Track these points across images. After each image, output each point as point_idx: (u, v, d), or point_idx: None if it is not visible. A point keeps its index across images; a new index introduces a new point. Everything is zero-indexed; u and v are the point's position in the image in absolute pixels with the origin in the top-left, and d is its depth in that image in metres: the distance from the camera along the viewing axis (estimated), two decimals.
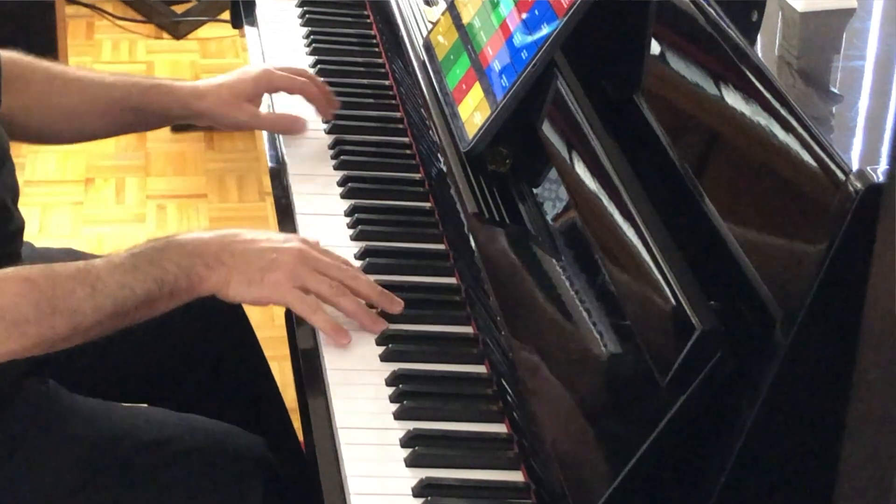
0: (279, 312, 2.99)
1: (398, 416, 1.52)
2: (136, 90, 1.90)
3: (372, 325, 1.61)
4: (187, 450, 1.69)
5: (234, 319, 1.98)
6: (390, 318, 1.64)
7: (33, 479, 1.64)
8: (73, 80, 1.88)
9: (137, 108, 1.90)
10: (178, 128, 3.64)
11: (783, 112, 1.24)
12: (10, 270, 1.54)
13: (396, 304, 1.63)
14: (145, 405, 1.86)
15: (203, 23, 4.07)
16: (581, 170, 1.52)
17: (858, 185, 1.12)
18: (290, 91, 1.97)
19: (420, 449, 1.47)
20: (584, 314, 1.41)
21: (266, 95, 2.00)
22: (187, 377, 1.92)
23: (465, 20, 1.81)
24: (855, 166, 1.14)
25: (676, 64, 1.47)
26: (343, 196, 1.86)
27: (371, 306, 1.64)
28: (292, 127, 1.94)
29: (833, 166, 1.16)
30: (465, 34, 1.80)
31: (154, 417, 1.73)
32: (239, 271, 1.60)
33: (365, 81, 2.12)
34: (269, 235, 1.65)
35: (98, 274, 1.56)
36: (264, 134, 2.03)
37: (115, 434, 1.68)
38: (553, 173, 1.58)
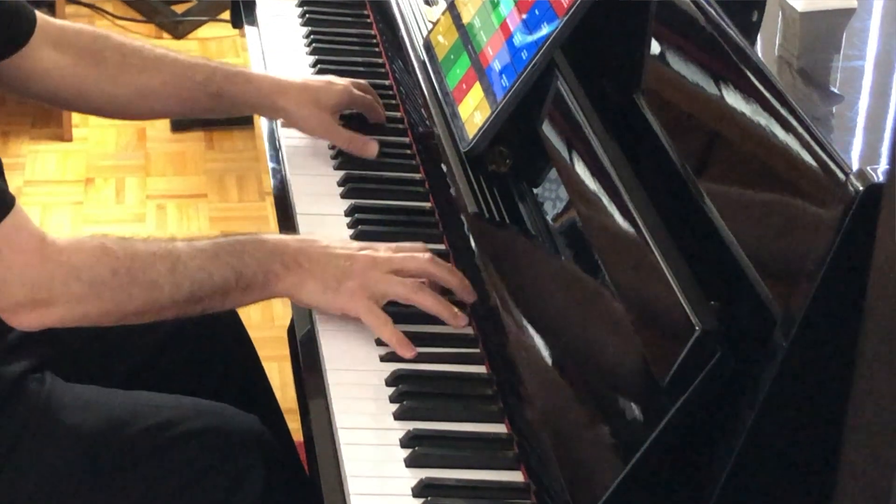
0: (279, 313, 3.00)
1: (398, 416, 1.52)
2: (218, 75, 1.90)
3: (453, 320, 1.62)
4: (187, 431, 1.69)
5: (225, 314, 1.98)
6: (390, 318, 1.64)
7: (36, 470, 1.64)
8: (151, 59, 1.87)
9: (218, 94, 1.90)
10: (178, 127, 3.64)
11: (783, 112, 1.24)
12: (86, 236, 1.58)
13: (471, 295, 1.63)
14: (140, 391, 1.86)
15: (203, 23, 4.07)
16: (581, 170, 1.52)
17: (858, 185, 1.12)
18: (363, 110, 1.96)
19: (420, 449, 1.47)
20: (584, 314, 1.41)
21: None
22: (178, 365, 1.92)
23: (466, 20, 1.81)
24: (855, 166, 1.14)
25: (676, 64, 1.47)
26: (343, 196, 1.86)
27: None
28: (364, 148, 1.92)
29: (833, 166, 1.16)
30: (465, 34, 1.80)
31: (152, 401, 1.73)
32: (314, 277, 1.61)
33: (365, 81, 2.12)
34: (346, 242, 1.67)
35: (179, 254, 1.59)
36: (264, 134, 2.03)
37: (114, 420, 1.69)
38: (553, 173, 1.58)
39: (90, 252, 1.56)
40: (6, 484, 1.64)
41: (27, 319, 1.56)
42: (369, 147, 1.92)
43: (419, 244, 1.68)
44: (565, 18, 1.61)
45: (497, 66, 1.70)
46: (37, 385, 1.69)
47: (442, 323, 1.65)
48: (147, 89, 1.87)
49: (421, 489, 1.42)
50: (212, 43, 4.03)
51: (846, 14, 1.45)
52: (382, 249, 1.65)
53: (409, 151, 1.97)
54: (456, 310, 1.62)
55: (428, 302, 1.61)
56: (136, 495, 1.66)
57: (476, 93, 1.71)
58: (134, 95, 1.88)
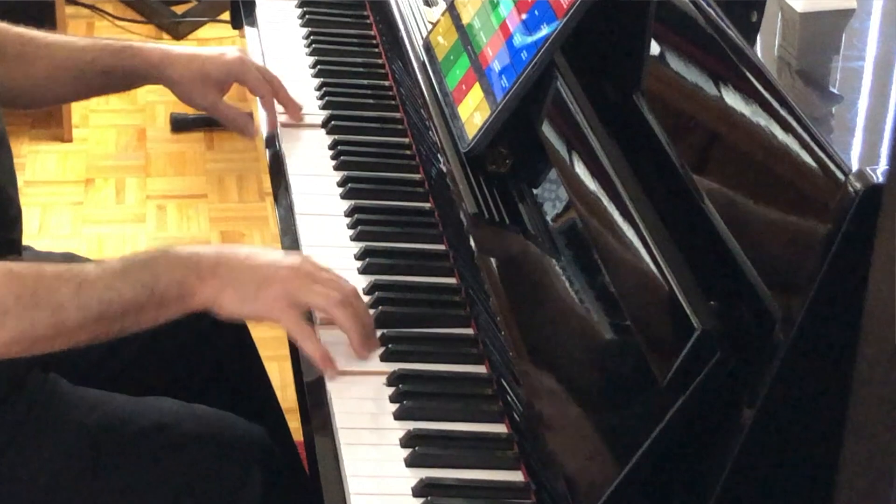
0: None
1: (398, 416, 1.52)
2: (106, 52, 1.90)
3: (360, 348, 1.57)
4: (188, 435, 1.69)
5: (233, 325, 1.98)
6: (390, 318, 1.64)
7: (36, 467, 1.65)
8: (44, 46, 1.88)
9: (108, 71, 1.91)
10: (178, 128, 3.64)
11: (783, 112, 1.24)
12: None
13: (371, 348, 1.58)
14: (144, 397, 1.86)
15: (203, 23, 4.07)
16: (581, 170, 1.52)
17: (858, 185, 1.12)
18: (253, 92, 1.97)
19: (420, 449, 1.47)
20: (584, 314, 1.41)
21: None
22: (182, 373, 1.92)
23: (465, 21, 1.81)
24: (855, 166, 1.14)
25: (676, 64, 1.47)
26: (343, 196, 1.86)
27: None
28: (244, 127, 1.94)
29: (833, 166, 1.16)
30: (464, 35, 1.80)
31: (154, 405, 1.73)
32: (233, 286, 1.56)
33: (365, 81, 2.12)
34: (270, 252, 1.62)
35: (85, 274, 1.54)
36: (263, 134, 2.03)
37: (116, 421, 1.69)
38: (553, 173, 1.58)
39: None
40: (6, 478, 1.64)
41: None
42: (248, 127, 1.93)
43: (344, 279, 1.62)
44: (565, 19, 1.62)
45: (497, 66, 1.70)
46: (40, 382, 1.69)
47: (442, 323, 1.65)
48: (44, 77, 1.88)
49: (421, 489, 1.42)
50: (211, 43, 4.03)
51: (846, 14, 1.45)
52: (309, 262, 1.61)
53: (409, 151, 1.97)
54: (370, 336, 1.57)
55: (346, 319, 1.56)
56: (134, 495, 1.67)
57: (476, 93, 1.71)
58: (34, 85, 1.88)
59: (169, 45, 1.97)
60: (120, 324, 1.55)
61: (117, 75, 1.92)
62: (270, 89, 1.97)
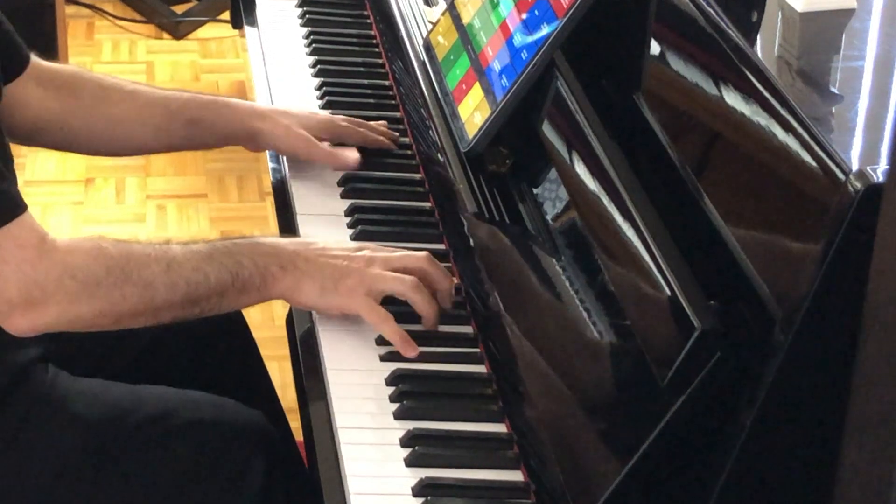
0: (279, 313, 2.99)
1: (398, 416, 1.52)
2: (193, 103, 1.89)
3: (432, 324, 1.62)
4: (189, 423, 1.70)
5: (234, 324, 1.98)
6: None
7: (39, 459, 1.65)
8: (127, 91, 1.87)
9: (194, 122, 1.89)
10: None
11: (783, 112, 1.24)
12: (85, 237, 1.59)
13: (448, 302, 1.65)
14: (144, 385, 1.87)
15: (203, 23, 4.07)
16: (581, 170, 1.52)
17: (858, 185, 1.12)
18: (350, 142, 1.93)
19: (420, 449, 1.47)
20: (584, 314, 1.41)
21: None
22: (180, 363, 1.92)
23: (465, 20, 1.81)
24: (855, 166, 1.14)
25: (676, 64, 1.47)
26: (343, 196, 1.86)
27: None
28: (346, 162, 1.90)
29: (833, 166, 1.16)
30: (465, 34, 1.80)
31: (154, 393, 1.74)
32: (311, 278, 1.61)
33: (365, 81, 2.12)
34: (342, 243, 1.67)
35: (174, 255, 1.59)
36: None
37: (116, 411, 1.70)
38: (553, 173, 1.58)
39: (86, 252, 1.56)
40: (10, 470, 1.65)
41: (20, 321, 1.56)
42: (350, 159, 1.90)
43: (418, 254, 1.67)
44: (565, 18, 1.62)
45: (497, 66, 1.70)
46: (41, 374, 1.70)
47: (442, 323, 1.65)
48: (123, 119, 1.87)
49: (421, 489, 1.42)
50: (212, 43, 4.03)
51: (846, 14, 1.45)
52: (380, 248, 1.66)
53: (409, 151, 1.97)
54: (436, 320, 1.62)
55: (421, 300, 1.62)
56: (137, 484, 1.67)
57: (476, 93, 1.71)
58: (111, 127, 1.87)
59: (256, 103, 1.94)
60: (202, 306, 1.60)
61: (203, 127, 1.90)
62: (363, 131, 1.94)
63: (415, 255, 1.65)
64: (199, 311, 1.61)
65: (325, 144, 1.91)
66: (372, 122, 1.97)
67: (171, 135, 1.90)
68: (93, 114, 1.86)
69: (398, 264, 1.63)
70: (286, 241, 1.66)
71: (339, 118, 1.95)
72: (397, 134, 1.97)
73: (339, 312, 1.63)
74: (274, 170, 1.97)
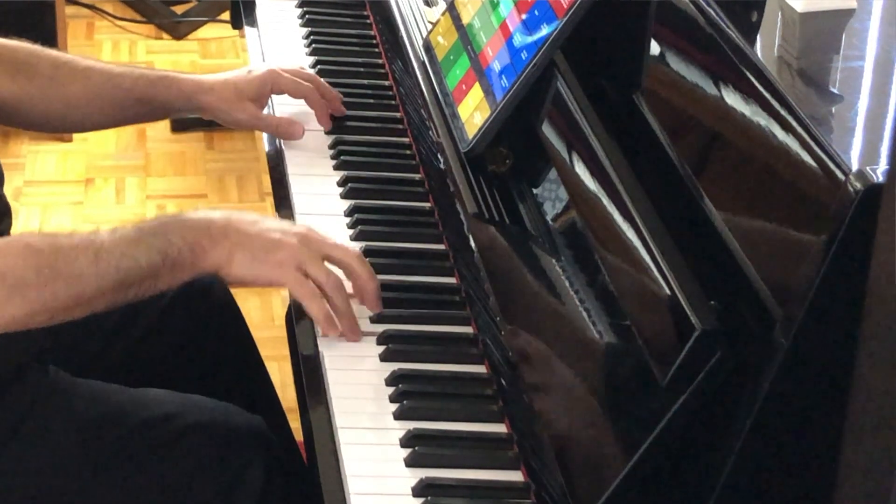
0: (279, 313, 3.00)
1: (398, 416, 1.52)
2: (142, 81, 1.91)
3: (350, 333, 1.61)
4: (188, 426, 1.70)
5: (227, 311, 1.99)
6: (390, 318, 1.64)
7: (36, 459, 1.65)
8: (80, 70, 1.89)
9: (143, 99, 1.92)
10: (178, 128, 3.64)
11: (783, 112, 1.24)
12: (12, 237, 1.57)
13: (376, 306, 1.64)
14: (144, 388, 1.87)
15: (203, 23, 4.07)
16: (581, 170, 1.52)
17: (858, 185, 1.12)
18: (294, 95, 1.98)
19: (420, 449, 1.47)
20: (584, 314, 1.41)
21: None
22: (181, 365, 1.93)
23: (465, 20, 1.81)
24: (855, 166, 1.14)
25: (676, 64, 1.47)
26: (343, 196, 1.86)
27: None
28: (290, 131, 1.94)
29: (833, 166, 1.16)
30: (464, 34, 1.80)
31: (154, 397, 1.74)
32: (243, 249, 1.60)
33: (365, 82, 2.12)
34: (277, 219, 1.68)
35: (102, 243, 1.57)
36: (264, 134, 2.03)
37: (115, 412, 1.70)
38: (553, 173, 1.58)
39: (15, 254, 1.54)
40: (7, 470, 1.65)
41: None
42: (295, 129, 1.93)
43: (352, 249, 1.67)
44: (565, 18, 1.62)
45: (497, 66, 1.70)
46: (40, 375, 1.70)
47: (442, 323, 1.65)
48: (77, 99, 1.88)
49: (421, 489, 1.42)
50: (212, 43, 4.03)
51: (846, 14, 1.45)
52: (314, 232, 1.65)
53: (409, 151, 1.97)
54: (357, 326, 1.61)
55: (341, 305, 1.60)
56: (135, 487, 1.67)
57: (476, 93, 1.71)
58: (66, 107, 1.89)
59: (201, 75, 1.97)
60: (136, 289, 1.59)
61: (154, 105, 1.93)
62: (311, 87, 1.98)
63: (347, 250, 1.65)
64: (134, 295, 1.60)
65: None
66: (323, 83, 2.00)
67: (123, 112, 1.93)
68: (47, 94, 1.87)
69: (330, 252, 1.63)
70: (217, 213, 1.65)
71: (282, 71, 1.97)
72: (345, 110, 1.99)
73: (269, 285, 1.64)
74: (274, 170, 1.97)
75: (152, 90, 1.91)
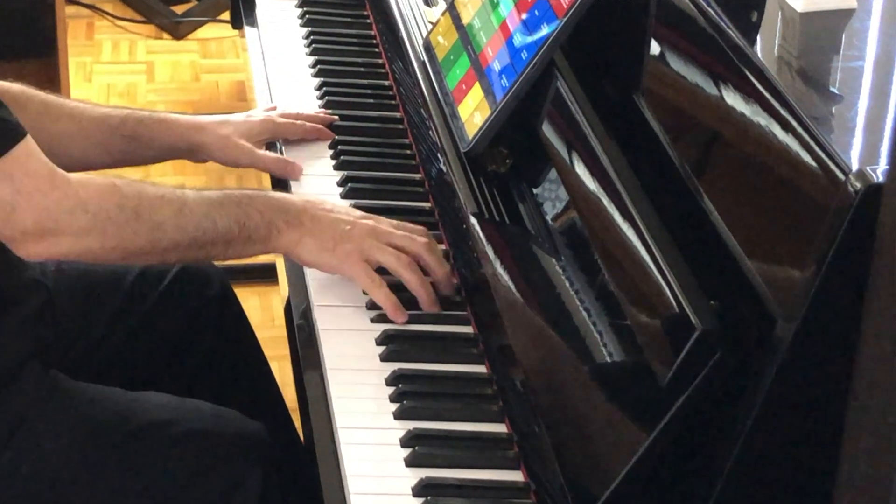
0: (279, 312, 3.00)
1: (398, 416, 1.52)
2: (131, 119, 1.89)
3: (429, 305, 1.66)
4: (187, 431, 1.71)
5: (227, 303, 1.99)
6: (390, 319, 1.64)
7: (34, 460, 1.66)
8: (68, 108, 1.88)
9: (133, 137, 1.89)
10: None
11: (783, 112, 1.24)
12: (97, 176, 1.63)
13: (450, 289, 1.68)
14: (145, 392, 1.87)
15: (203, 23, 4.07)
16: (581, 170, 1.52)
17: (858, 185, 1.12)
18: (291, 137, 1.96)
19: (420, 449, 1.47)
20: (584, 314, 1.41)
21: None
22: (185, 367, 1.93)
23: (465, 20, 1.81)
24: (855, 166, 1.14)
25: (676, 64, 1.47)
26: (343, 196, 1.86)
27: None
28: (287, 171, 1.91)
29: (833, 166, 1.16)
30: (465, 34, 1.80)
31: (154, 401, 1.75)
32: (313, 236, 1.66)
33: (365, 81, 2.12)
34: (350, 210, 1.72)
35: (186, 199, 1.63)
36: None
37: (115, 416, 1.71)
38: (553, 173, 1.59)
39: (98, 187, 1.60)
40: (5, 468, 1.65)
41: (33, 248, 1.59)
42: (294, 169, 1.91)
43: (420, 227, 1.72)
44: (565, 19, 1.62)
45: (497, 66, 1.70)
46: (39, 377, 1.70)
47: (442, 323, 1.65)
48: (64, 137, 1.87)
49: (421, 489, 1.42)
50: (212, 43, 4.03)
51: (846, 14, 1.45)
52: (384, 223, 1.69)
53: (409, 151, 1.97)
54: (434, 298, 1.66)
55: (414, 280, 1.65)
56: (133, 491, 1.67)
57: (476, 93, 1.71)
58: (52, 144, 1.83)
59: (194, 115, 1.95)
60: (208, 251, 1.65)
61: (142, 143, 1.90)
62: (305, 127, 1.97)
63: (416, 240, 1.68)
64: (205, 255, 1.67)
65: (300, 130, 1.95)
66: (311, 112, 2.00)
67: (111, 151, 1.90)
68: (35, 131, 1.84)
69: (398, 243, 1.67)
70: (295, 197, 1.70)
71: (276, 116, 1.97)
72: (336, 117, 2.00)
73: (335, 272, 1.67)
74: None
75: (141, 128, 1.89)
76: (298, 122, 1.97)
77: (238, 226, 1.64)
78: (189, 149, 1.92)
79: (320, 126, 1.98)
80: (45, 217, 1.56)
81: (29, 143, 1.58)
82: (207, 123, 1.92)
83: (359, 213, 1.71)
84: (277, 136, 1.96)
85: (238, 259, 1.71)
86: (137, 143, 1.91)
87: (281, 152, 1.96)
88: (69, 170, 1.96)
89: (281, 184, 1.92)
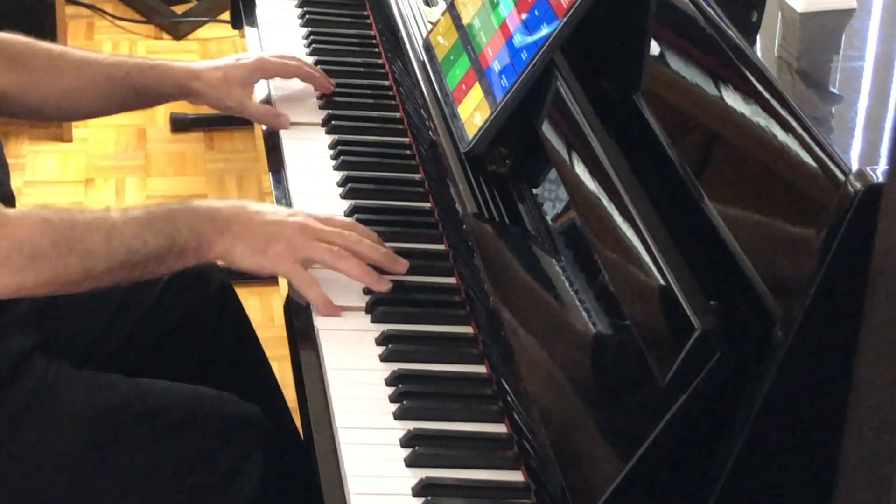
0: (279, 312, 3.00)
1: (398, 416, 1.52)
2: (135, 71, 1.97)
3: (376, 285, 1.66)
4: (187, 417, 1.73)
5: (225, 298, 2.00)
6: (390, 318, 1.65)
7: (38, 448, 1.67)
8: (74, 61, 1.94)
9: (137, 88, 1.97)
10: (178, 128, 3.64)
11: (783, 112, 1.24)
12: (31, 209, 1.62)
13: (401, 265, 1.69)
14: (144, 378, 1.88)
15: (203, 23, 4.07)
16: (581, 170, 1.52)
17: (858, 185, 1.12)
18: (285, 76, 2.04)
19: (420, 449, 1.47)
20: (584, 314, 1.41)
21: (265, 81, 2.07)
22: (184, 363, 1.94)
23: (465, 20, 1.81)
24: (855, 166, 1.14)
25: (676, 64, 1.47)
26: (343, 196, 1.86)
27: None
28: (275, 121, 2.00)
29: (833, 166, 1.16)
30: (464, 34, 1.80)
31: (155, 387, 1.76)
32: (244, 240, 1.66)
33: (365, 82, 2.12)
34: (276, 209, 1.73)
35: (114, 223, 1.63)
36: (264, 134, 2.03)
37: (115, 402, 1.72)
38: (553, 173, 1.59)
39: (33, 225, 1.60)
40: (7, 460, 1.66)
41: None
42: (281, 120, 1.99)
43: (350, 220, 1.73)
44: (565, 19, 1.62)
45: (497, 66, 1.70)
46: (41, 365, 1.71)
47: (442, 323, 1.65)
48: (73, 90, 1.94)
49: (421, 489, 1.42)
50: (212, 43, 4.03)
51: (846, 14, 1.45)
52: (312, 218, 1.70)
53: (409, 151, 1.97)
54: (377, 276, 1.67)
55: (352, 269, 1.66)
56: (135, 477, 1.68)
57: (476, 93, 1.71)
58: (62, 97, 1.94)
59: (191, 62, 2.04)
60: (141, 270, 1.65)
61: (146, 93, 1.99)
62: (297, 65, 2.04)
63: (343, 234, 1.68)
64: (139, 275, 1.66)
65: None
66: (306, 61, 2.06)
67: (116, 100, 1.99)
68: (44, 85, 1.92)
69: (327, 238, 1.67)
70: (222, 205, 1.70)
71: (270, 56, 2.04)
72: (333, 83, 2.05)
73: (268, 274, 1.68)
74: (274, 170, 1.97)
75: (145, 79, 1.97)
76: (293, 65, 2.03)
77: (169, 242, 1.64)
78: (186, 94, 2.01)
79: (313, 71, 2.04)
80: None
81: None
82: (202, 70, 2.00)
83: (286, 211, 1.73)
84: (269, 75, 2.03)
85: (172, 272, 1.71)
86: (141, 93, 1.99)
87: (279, 145, 1.97)
88: (76, 119, 2.07)
89: (275, 149, 1.96)
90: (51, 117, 2.06)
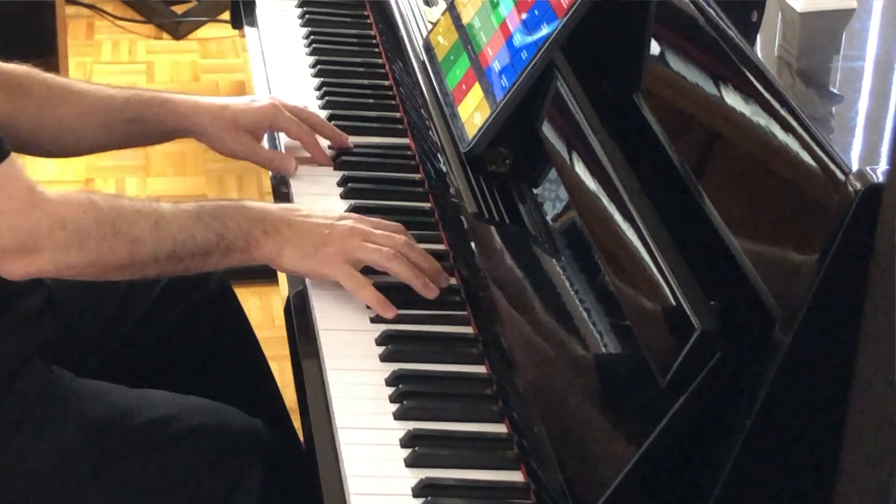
0: (279, 313, 2.99)
1: (398, 416, 1.52)
2: (134, 101, 1.89)
3: (424, 290, 1.66)
4: (188, 428, 1.71)
5: (225, 302, 2.00)
6: (390, 318, 1.65)
7: (37, 457, 1.66)
8: (72, 92, 1.88)
9: (135, 120, 1.89)
10: None
11: (783, 112, 1.24)
12: (75, 191, 1.65)
13: (443, 280, 1.69)
14: (146, 389, 1.88)
15: (203, 23, 4.07)
16: (581, 170, 1.52)
17: (858, 185, 1.12)
18: (291, 136, 1.94)
19: (420, 449, 1.47)
20: (584, 314, 1.41)
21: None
22: (183, 365, 1.93)
23: (465, 20, 1.81)
24: (855, 166, 1.14)
25: (676, 64, 1.47)
26: (343, 196, 1.86)
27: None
28: (284, 166, 1.91)
29: (833, 166, 1.16)
30: (464, 34, 1.80)
31: (155, 398, 1.75)
32: (293, 244, 1.66)
33: (365, 82, 2.12)
34: (326, 213, 1.72)
35: (163, 212, 1.63)
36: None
37: (116, 413, 1.71)
38: (553, 173, 1.59)
39: (76, 204, 1.61)
40: (8, 465, 1.65)
41: (14, 267, 1.59)
42: (288, 164, 1.90)
43: (398, 225, 1.72)
44: (565, 19, 1.62)
45: (497, 66, 1.70)
46: (43, 373, 1.70)
47: (442, 323, 1.65)
48: (68, 121, 1.87)
49: (421, 489, 1.42)
50: (212, 43, 4.03)
51: (846, 14, 1.45)
52: (364, 222, 1.70)
53: (409, 152, 1.97)
54: (427, 281, 1.66)
55: (402, 270, 1.65)
56: (134, 487, 1.68)
57: (476, 93, 1.71)
58: (58, 128, 1.88)
59: (198, 97, 1.94)
60: (187, 263, 1.65)
61: (145, 125, 1.90)
62: (308, 129, 1.93)
63: (393, 237, 1.68)
64: (184, 269, 1.66)
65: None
66: (321, 119, 1.96)
67: (115, 133, 1.91)
68: (40, 115, 1.87)
69: (378, 241, 1.67)
70: (272, 206, 1.70)
71: (283, 106, 1.92)
72: (348, 139, 1.95)
73: (319, 278, 1.68)
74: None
75: (144, 109, 1.89)
76: (304, 127, 1.93)
77: (216, 238, 1.64)
78: (188, 130, 1.93)
79: (327, 137, 1.94)
80: (24, 236, 1.57)
81: (12, 164, 1.60)
82: (209, 107, 1.91)
83: (336, 214, 1.72)
84: (277, 127, 1.94)
85: (219, 269, 1.71)
86: (140, 125, 1.91)
87: (279, 145, 1.96)
88: (73, 154, 1.99)
89: (279, 180, 1.92)
90: (45, 150, 1.94)
